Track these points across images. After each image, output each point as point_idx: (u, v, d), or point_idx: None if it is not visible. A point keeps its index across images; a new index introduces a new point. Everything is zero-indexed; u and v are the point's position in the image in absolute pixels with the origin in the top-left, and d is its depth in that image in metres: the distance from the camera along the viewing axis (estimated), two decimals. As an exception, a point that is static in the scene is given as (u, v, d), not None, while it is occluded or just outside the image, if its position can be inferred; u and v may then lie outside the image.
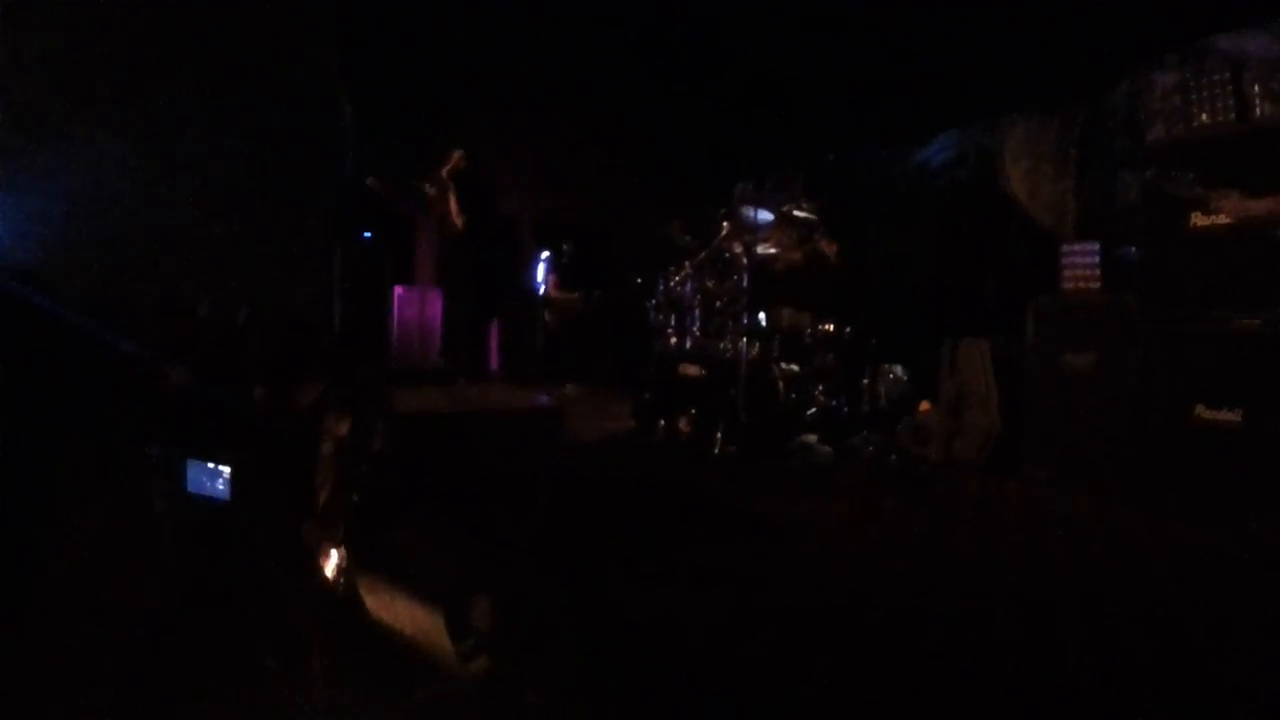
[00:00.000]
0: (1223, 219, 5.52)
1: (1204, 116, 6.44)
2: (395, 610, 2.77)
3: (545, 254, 12.80)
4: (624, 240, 12.22)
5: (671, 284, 9.09)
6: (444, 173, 8.59)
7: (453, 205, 8.54)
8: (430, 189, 8.73)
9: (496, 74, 12.17)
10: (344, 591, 3.04)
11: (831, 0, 8.86)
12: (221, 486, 2.21)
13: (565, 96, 13.26)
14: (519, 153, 12.99)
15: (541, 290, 12.38)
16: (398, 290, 12.74)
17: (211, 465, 2.24)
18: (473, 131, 9.26)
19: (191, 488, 2.28)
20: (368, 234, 10.62)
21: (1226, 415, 5.46)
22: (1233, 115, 6.26)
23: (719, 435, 7.50)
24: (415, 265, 13.66)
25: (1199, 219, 5.69)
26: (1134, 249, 6.45)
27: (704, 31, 10.37)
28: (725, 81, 11.53)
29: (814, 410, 8.04)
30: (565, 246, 11.81)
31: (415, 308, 13.04)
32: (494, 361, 12.20)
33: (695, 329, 8.69)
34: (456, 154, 8.75)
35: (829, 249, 8.52)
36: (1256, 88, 6.32)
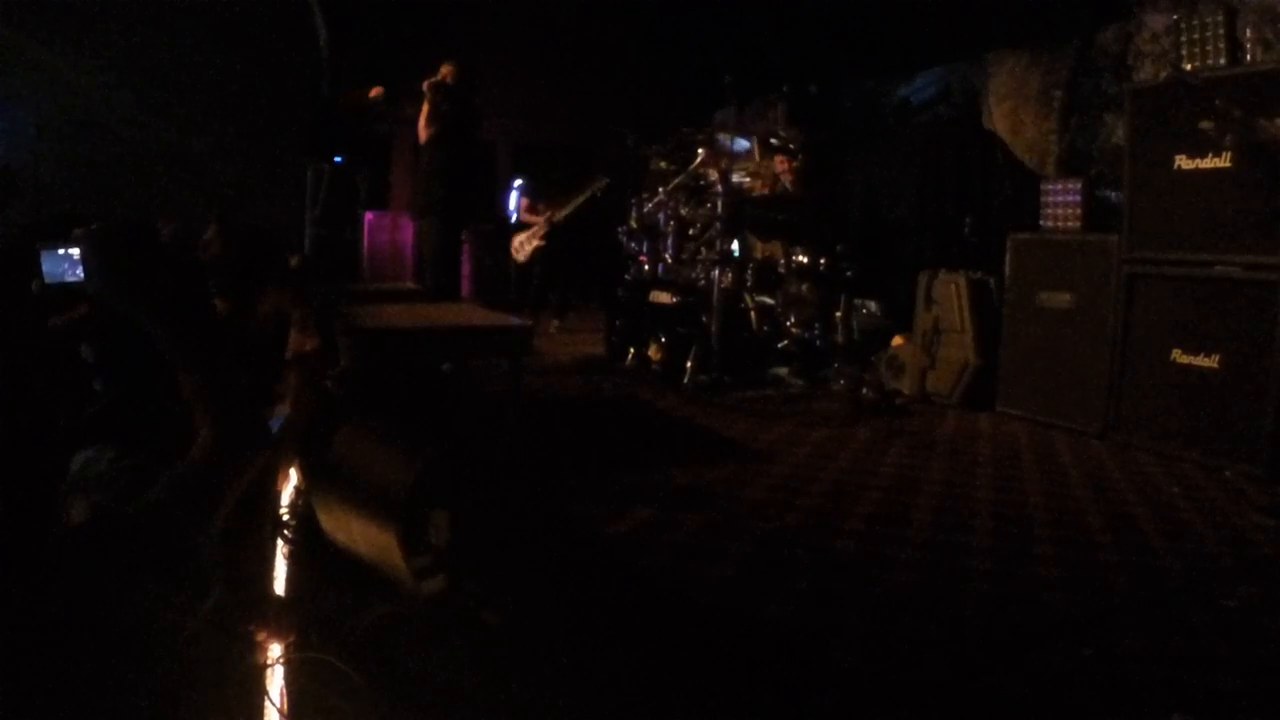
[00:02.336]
0: (1207, 164, 5.42)
1: (1195, 60, 6.33)
2: (349, 526, 2.68)
3: (518, 181, 12.60)
4: (604, 168, 12.01)
5: (645, 210, 8.96)
6: (426, 84, 8.36)
7: (422, 116, 8.33)
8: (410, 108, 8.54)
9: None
10: (301, 508, 2.94)
11: None
12: (79, 271, 2.10)
13: (548, 22, 13.07)
14: (498, 78, 12.81)
15: (515, 218, 12.20)
16: (369, 216, 12.60)
17: (63, 250, 2.13)
18: (452, 54, 9.04)
19: (49, 279, 2.17)
20: (339, 158, 10.45)
21: (1203, 360, 5.39)
22: (1224, 60, 6.16)
23: (690, 364, 7.41)
24: (390, 191, 13.52)
25: (1184, 162, 5.58)
26: (1115, 193, 6.38)
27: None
28: (710, 7, 11.33)
29: (787, 341, 7.96)
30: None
31: (387, 233, 12.92)
32: (466, 288, 12.07)
33: (668, 255, 8.57)
34: (445, 67, 8.52)
35: (796, 167, 8.39)
36: (1249, 32, 6.20)
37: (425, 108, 8.25)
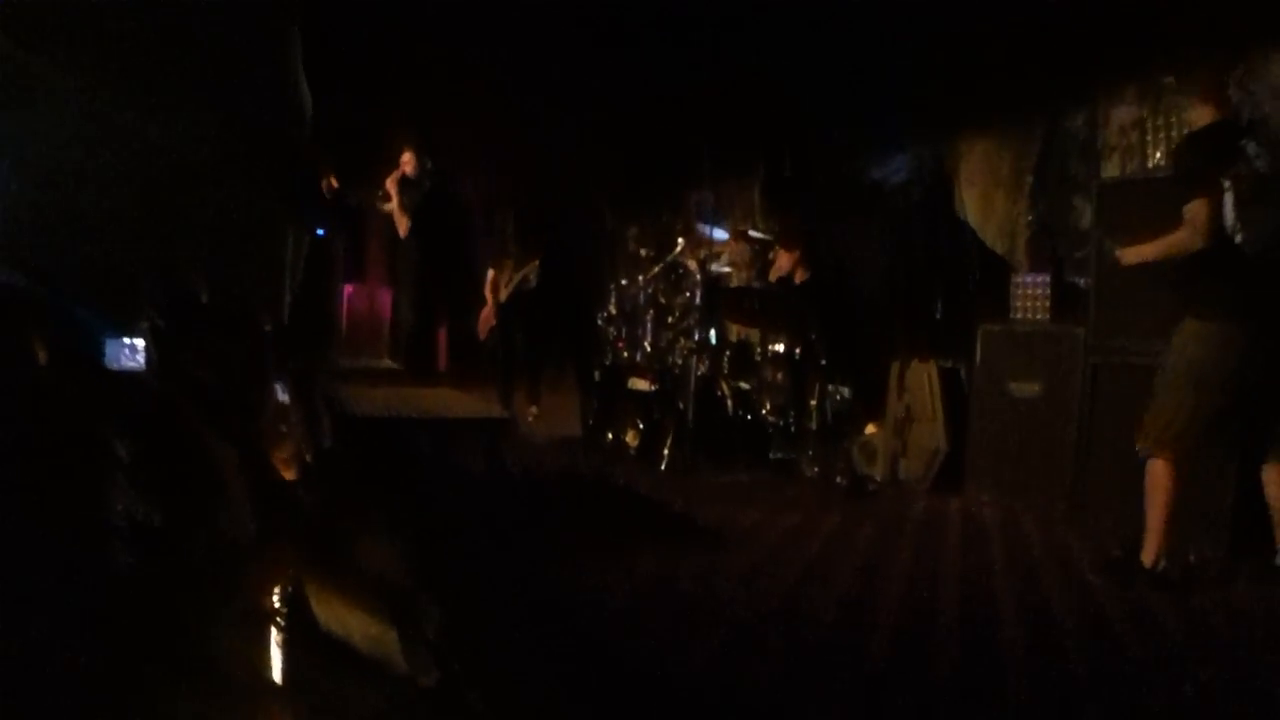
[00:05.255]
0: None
1: (1159, 155, 6.50)
2: (344, 617, 2.76)
3: None
4: (579, 242, 12.05)
5: (624, 296, 9.10)
6: (389, 182, 8.54)
7: (396, 210, 8.49)
8: (382, 198, 8.67)
9: (453, 62, 12.00)
10: (294, 593, 3.02)
11: (796, 18, 8.82)
12: (139, 359, 2.23)
13: (530, 87, 13.09)
14: (471, 138, 12.86)
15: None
16: (347, 288, 12.63)
17: (128, 340, 2.26)
18: (428, 123, 9.22)
19: (110, 363, 2.29)
20: (321, 231, 10.56)
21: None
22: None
23: (667, 449, 7.52)
24: (366, 263, 13.57)
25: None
26: (1084, 279, 6.52)
27: (668, 29, 10.19)
28: (686, 82, 11.39)
29: (762, 427, 8.07)
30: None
31: (365, 304, 12.95)
32: (443, 360, 12.05)
33: (646, 342, 8.71)
34: (405, 157, 8.68)
35: (788, 259, 8.51)
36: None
37: (394, 203, 8.40)
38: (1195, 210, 4.58)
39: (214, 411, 2.17)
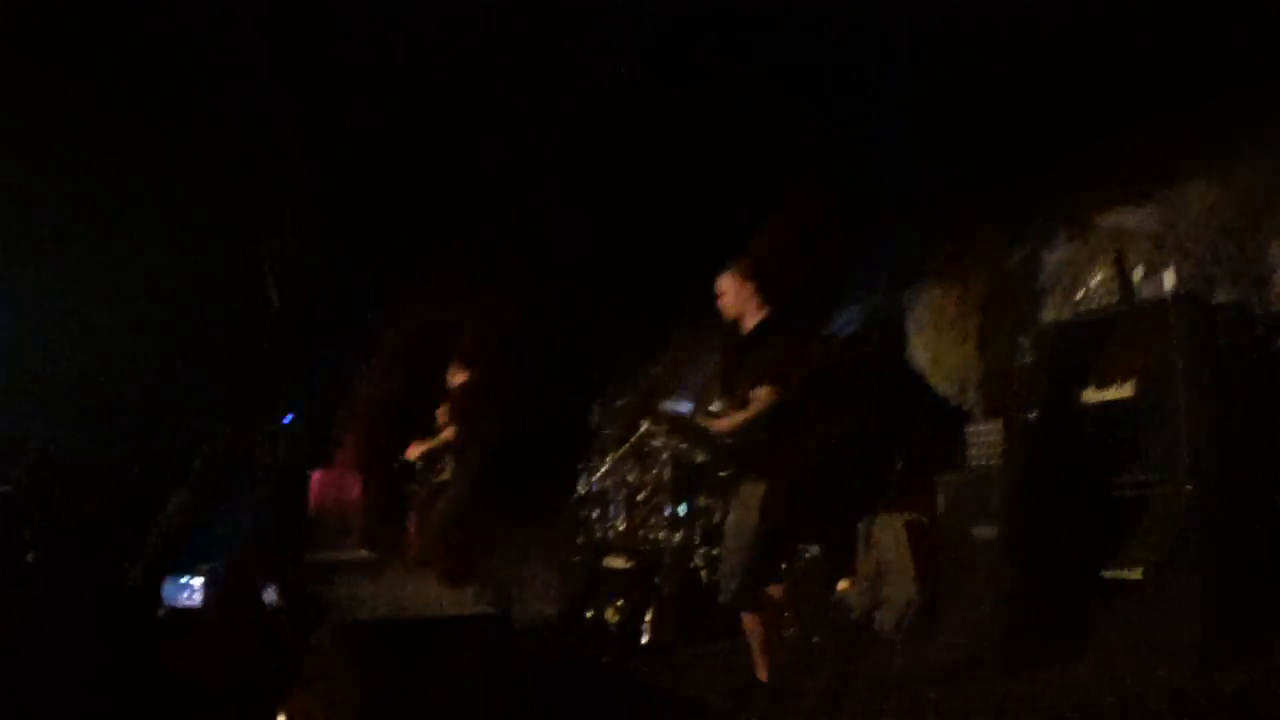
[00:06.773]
0: (1111, 394, 5.95)
1: (1089, 294, 6.84)
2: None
3: None
4: (538, 425, 12.19)
5: (593, 477, 9.31)
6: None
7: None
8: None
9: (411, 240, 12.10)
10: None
11: (751, 174, 9.08)
12: (196, 597, 2.45)
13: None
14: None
15: None
16: (315, 475, 12.53)
17: (185, 579, 2.49)
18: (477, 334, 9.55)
19: (167, 601, 2.49)
20: (289, 418, 10.71)
21: (1128, 573, 5.76)
22: (1116, 298, 6.65)
23: (647, 623, 7.64)
24: (335, 446, 13.50)
25: (1090, 394, 6.06)
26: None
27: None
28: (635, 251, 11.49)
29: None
30: None
31: (333, 491, 12.85)
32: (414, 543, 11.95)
33: (619, 521, 8.90)
34: (452, 370, 9.11)
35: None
36: (1140, 267, 6.73)
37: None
38: (764, 395, 5.77)
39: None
